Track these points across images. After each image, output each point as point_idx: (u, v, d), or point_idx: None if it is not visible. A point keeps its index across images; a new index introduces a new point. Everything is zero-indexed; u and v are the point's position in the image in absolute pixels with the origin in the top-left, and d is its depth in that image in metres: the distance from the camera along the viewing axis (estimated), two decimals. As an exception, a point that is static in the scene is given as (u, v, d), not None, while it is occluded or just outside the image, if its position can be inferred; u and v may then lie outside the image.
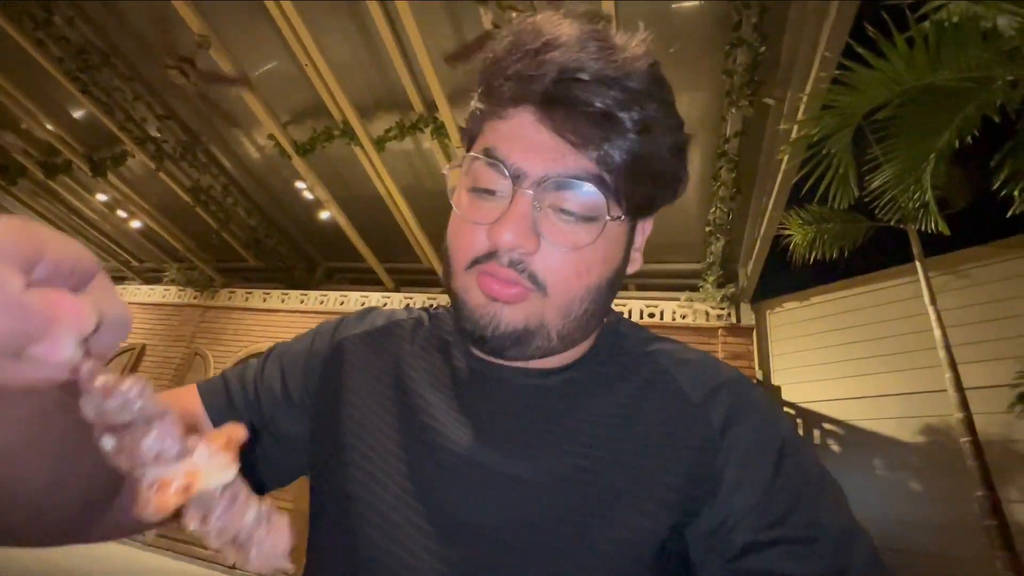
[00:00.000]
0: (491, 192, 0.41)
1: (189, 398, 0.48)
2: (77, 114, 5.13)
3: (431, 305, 0.59)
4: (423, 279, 5.99)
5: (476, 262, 0.42)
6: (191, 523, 0.23)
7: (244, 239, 5.99)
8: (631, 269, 0.47)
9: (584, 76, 0.38)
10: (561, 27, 0.40)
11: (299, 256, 6.46)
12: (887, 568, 0.37)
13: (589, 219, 0.40)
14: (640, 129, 0.39)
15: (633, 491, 0.40)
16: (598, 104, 0.38)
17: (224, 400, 0.49)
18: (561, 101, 0.38)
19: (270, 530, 0.24)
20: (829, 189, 2.69)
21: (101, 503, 0.36)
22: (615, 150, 0.39)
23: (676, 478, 0.40)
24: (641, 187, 0.41)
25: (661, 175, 0.43)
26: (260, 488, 0.47)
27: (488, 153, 0.41)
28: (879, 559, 0.37)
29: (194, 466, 0.23)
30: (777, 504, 0.38)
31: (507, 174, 0.40)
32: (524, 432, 0.43)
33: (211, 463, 0.23)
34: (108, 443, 0.22)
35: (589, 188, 0.39)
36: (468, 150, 0.45)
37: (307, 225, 6.09)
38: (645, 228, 0.48)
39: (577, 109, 0.38)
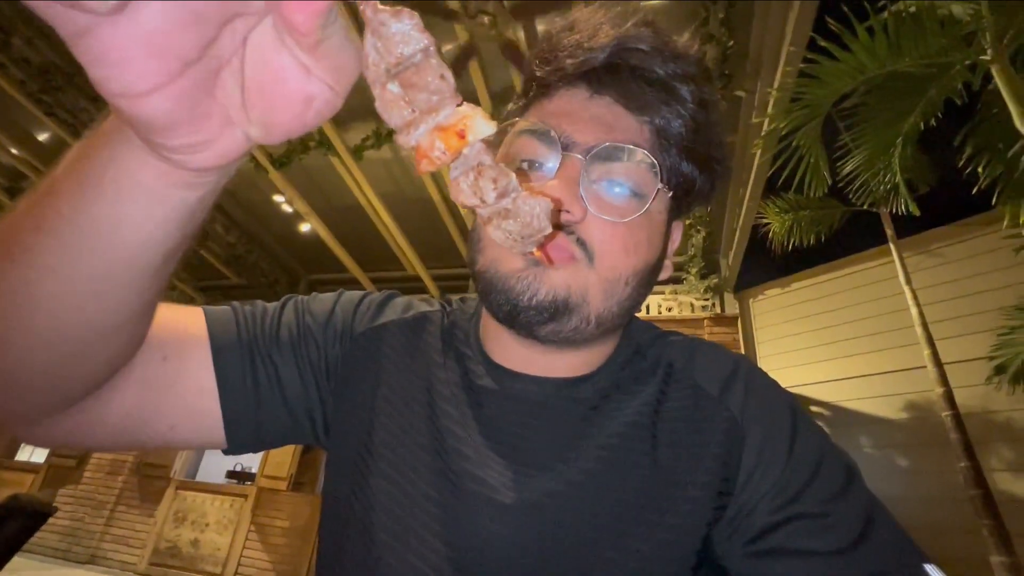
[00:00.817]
0: (537, 164, 0.40)
1: (193, 319, 0.44)
2: (42, 137, 4.99)
3: (458, 298, 0.56)
4: (409, 287, 5.95)
5: None
6: (460, 185, 0.24)
7: (223, 256, 5.89)
8: (664, 275, 0.46)
9: (643, 47, 0.38)
10: (614, 17, 0.40)
11: (281, 270, 6.37)
12: (903, 532, 0.37)
13: (637, 194, 0.39)
14: (698, 103, 0.39)
15: (670, 493, 0.39)
16: (659, 71, 0.38)
17: (232, 328, 0.45)
18: (620, 69, 0.38)
19: (526, 195, 0.25)
20: (804, 178, 2.75)
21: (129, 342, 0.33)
22: (675, 118, 0.39)
23: (709, 472, 0.39)
24: (692, 166, 0.41)
25: (711, 160, 0.42)
26: (239, 434, 0.44)
27: (534, 125, 0.40)
28: (896, 528, 0.37)
29: (465, 114, 0.23)
30: (792, 483, 0.38)
31: (557, 141, 0.38)
32: (553, 448, 0.41)
33: (478, 113, 0.23)
34: (392, 89, 0.22)
35: (644, 156, 0.38)
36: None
37: (288, 239, 6.01)
38: (675, 236, 0.46)
39: (636, 75, 0.38)
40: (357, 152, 4.33)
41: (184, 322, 0.43)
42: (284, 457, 5.20)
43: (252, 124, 0.22)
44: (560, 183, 0.38)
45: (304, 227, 5.52)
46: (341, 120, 4.26)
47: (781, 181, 2.92)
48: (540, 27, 3.37)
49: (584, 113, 0.40)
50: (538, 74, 0.42)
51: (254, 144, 0.23)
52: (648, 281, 0.43)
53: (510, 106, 0.46)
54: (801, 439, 0.40)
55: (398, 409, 0.45)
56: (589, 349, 0.44)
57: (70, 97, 4.30)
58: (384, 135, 4.18)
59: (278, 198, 5.29)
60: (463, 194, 0.26)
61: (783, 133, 2.48)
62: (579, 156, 0.38)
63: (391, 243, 5.30)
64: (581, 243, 0.38)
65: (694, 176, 0.43)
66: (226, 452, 0.45)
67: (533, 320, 0.38)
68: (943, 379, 2.92)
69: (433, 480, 0.41)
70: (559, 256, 0.38)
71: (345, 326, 0.50)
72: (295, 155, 4.46)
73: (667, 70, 0.39)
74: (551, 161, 0.39)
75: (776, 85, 2.62)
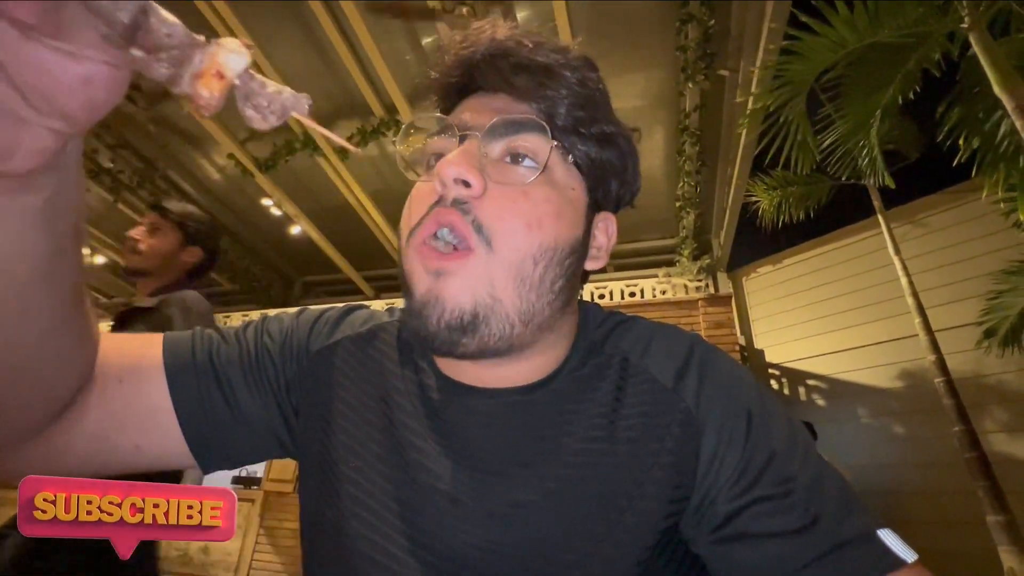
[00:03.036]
0: (440, 156, 0.40)
1: (150, 344, 0.44)
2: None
3: None
4: (403, 284, 5.94)
5: (417, 226, 0.39)
6: (245, 110, 0.26)
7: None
8: (593, 265, 0.45)
9: (524, 41, 0.40)
10: (493, 25, 0.42)
11: (274, 274, 6.34)
12: (858, 504, 0.38)
13: (535, 162, 0.39)
14: (581, 85, 0.40)
15: (628, 491, 0.39)
16: (539, 59, 0.40)
17: (187, 351, 0.45)
18: (500, 62, 0.40)
19: (282, 89, 0.27)
20: (791, 155, 2.76)
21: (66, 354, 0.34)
22: (559, 100, 0.40)
23: (665, 468, 0.39)
24: (588, 146, 0.41)
25: (609, 136, 0.43)
26: (205, 453, 0.44)
27: (430, 119, 0.42)
28: (850, 497, 0.38)
29: (214, 53, 0.24)
30: (750, 467, 0.38)
31: (454, 128, 0.40)
32: (514, 456, 0.41)
33: (224, 50, 0.25)
34: (138, 54, 0.23)
35: (531, 130, 0.39)
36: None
37: (279, 242, 5.97)
38: (608, 227, 0.46)
39: (517, 66, 0.40)
40: (343, 151, 4.30)
41: (141, 347, 0.44)
42: (288, 460, 5.21)
43: (49, 118, 0.22)
44: (457, 154, 0.38)
45: (295, 229, 5.48)
46: (325, 120, 4.22)
47: (769, 159, 2.94)
48: (520, 14, 3.35)
49: (479, 106, 0.42)
50: (431, 80, 0.45)
51: (74, 134, 0.24)
52: (565, 264, 0.40)
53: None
54: (758, 421, 0.40)
55: (354, 422, 0.45)
56: (537, 353, 0.42)
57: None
58: (369, 132, 4.15)
59: (266, 201, 5.25)
60: (255, 120, 0.27)
61: (769, 111, 2.49)
62: (476, 133, 0.39)
63: (382, 240, 5.29)
64: (477, 226, 0.37)
65: (598, 155, 0.42)
66: (202, 470, 0.46)
67: (449, 341, 0.37)
68: (934, 346, 2.97)
69: (397, 492, 0.41)
70: (450, 259, 0.36)
71: (300, 345, 0.49)
72: (281, 157, 4.42)
73: (547, 59, 0.40)
74: (453, 146, 0.40)
75: (759, 63, 2.62)
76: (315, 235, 5.33)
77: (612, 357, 0.45)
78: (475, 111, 0.41)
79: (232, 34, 3.50)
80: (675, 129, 3.82)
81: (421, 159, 0.44)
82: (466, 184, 0.37)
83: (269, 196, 5.03)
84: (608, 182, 0.44)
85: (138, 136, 4.71)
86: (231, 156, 4.50)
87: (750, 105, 2.67)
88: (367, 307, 0.55)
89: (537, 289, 0.38)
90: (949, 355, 3.00)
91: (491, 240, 0.37)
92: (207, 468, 0.45)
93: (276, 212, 5.36)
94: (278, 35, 3.62)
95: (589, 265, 0.45)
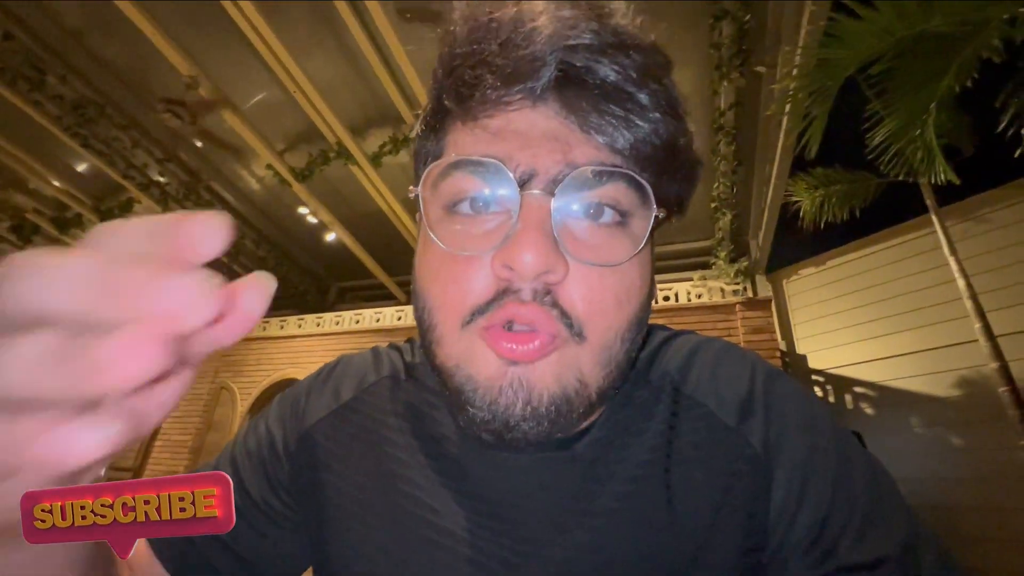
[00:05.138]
0: (483, 206, 0.31)
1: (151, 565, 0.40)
2: (81, 167, 5.24)
3: (406, 341, 0.48)
4: (434, 289, 6.00)
5: (479, 312, 0.31)
6: None
7: (255, 270, 6.05)
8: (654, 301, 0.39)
9: (587, 39, 0.29)
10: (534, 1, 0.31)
11: (310, 280, 6.52)
12: (958, 568, 0.32)
13: (622, 224, 0.31)
14: (662, 108, 0.32)
15: (690, 548, 0.33)
16: (611, 75, 0.30)
17: (186, 543, 0.40)
18: (566, 79, 0.30)
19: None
20: (805, 141, 2.53)
21: None
22: (643, 133, 0.31)
23: (734, 522, 0.34)
24: (672, 181, 0.34)
25: (688, 166, 0.35)
26: None
27: (472, 156, 0.31)
28: (949, 560, 0.32)
29: None
30: (829, 531, 0.32)
31: (510, 176, 0.29)
32: (554, 516, 0.35)
33: None
34: None
35: (622, 183, 0.30)
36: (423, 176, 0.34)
37: (314, 248, 6.15)
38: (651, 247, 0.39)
39: (583, 83, 0.30)
40: (375, 159, 4.39)
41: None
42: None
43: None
44: (535, 238, 0.28)
45: (330, 236, 5.63)
46: (358, 129, 4.32)
47: (812, 156, 2.80)
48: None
49: (534, 131, 0.31)
50: (455, 85, 0.32)
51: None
52: (643, 324, 0.35)
53: (417, 127, 0.37)
54: (834, 473, 0.34)
55: (351, 509, 0.39)
56: None
57: (103, 128, 4.50)
58: (401, 140, 4.22)
59: (303, 210, 5.42)
60: None
61: (807, 96, 2.35)
62: (541, 193, 0.29)
63: (414, 246, 5.35)
64: (563, 315, 0.30)
65: (678, 191, 0.36)
66: None
67: (531, 432, 0.31)
68: (997, 352, 2.77)
69: (409, 564, 0.36)
70: (537, 349, 0.30)
71: (283, 442, 0.44)
72: (316, 166, 4.55)
73: (621, 71, 0.30)
74: (503, 201, 0.31)
75: (801, 46, 2.47)
76: (349, 242, 5.46)
77: (661, 390, 0.38)
78: (528, 143, 0.30)
79: (267, 45, 3.63)
80: (710, 128, 3.72)
81: (434, 208, 0.34)
82: (549, 272, 0.29)
83: (305, 205, 5.19)
84: (680, 210, 0.38)
85: (184, 149, 4.95)
86: (269, 167, 4.66)
87: (777, 87, 2.54)
88: (351, 367, 0.47)
89: (617, 364, 0.33)
90: (1013, 362, 2.80)
91: (582, 329, 0.31)
92: None
93: (312, 220, 5.52)
94: (311, 46, 3.73)
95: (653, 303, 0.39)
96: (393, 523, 0.37)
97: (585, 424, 0.37)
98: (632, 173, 0.30)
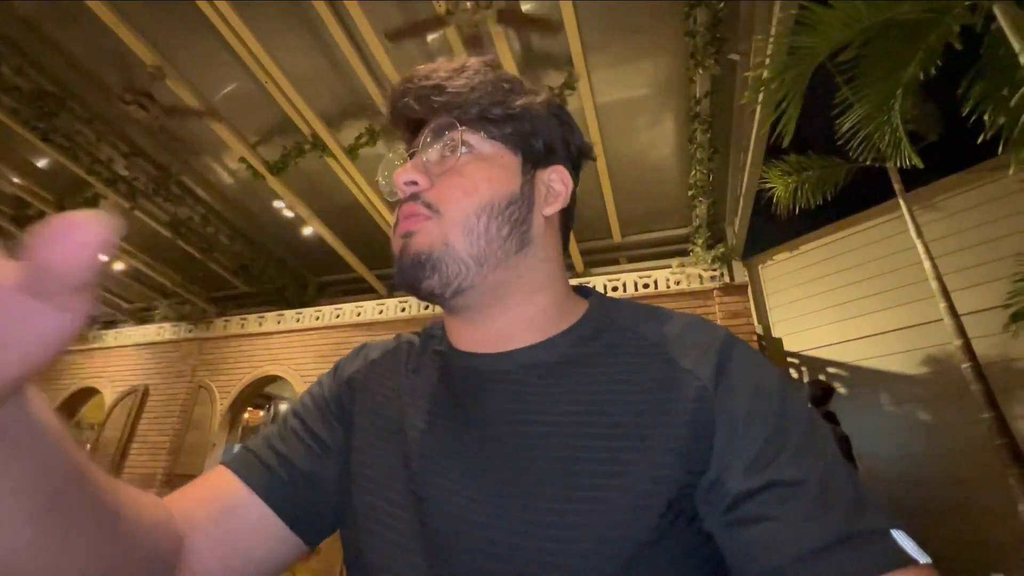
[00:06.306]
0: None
1: (223, 480, 0.48)
2: (41, 163, 5.03)
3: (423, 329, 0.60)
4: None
5: (395, 225, 0.50)
6: None
7: (230, 266, 5.93)
8: (551, 209, 0.51)
9: (432, 70, 0.50)
10: (412, 73, 0.51)
11: (288, 275, 6.42)
12: (873, 503, 0.37)
13: (454, 150, 0.49)
14: (479, 86, 0.49)
15: (635, 446, 0.40)
16: (441, 78, 0.49)
17: (260, 468, 0.49)
18: (416, 92, 0.50)
19: None
20: (780, 129, 2.55)
21: None
22: (463, 101, 0.49)
23: (678, 438, 0.40)
24: (499, 124, 0.50)
25: (515, 115, 0.50)
26: (319, 540, 0.50)
27: (394, 155, 0.54)
28: (865, 495, 0.38)
29: None
30: (767, 452, 0.39)
31: (406, 154, 0.52)
32: (515, 408, 0.45)
33: None
34: None
35: (448, 129, 0.49)
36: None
37: (292, 243, 6.04)
38: (563, 176, 0.53)
39: (430, 90, 0.49)
40: (352, 151, 4.32)
41: (214, 487, 0.48)
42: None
43: None
44: (405, 166, 0.49)
45: (307, 230, 5.53)
46: (333, 120, 4.24)
47: (786, 144, 2.85)
48: (525, 6, 3.32)
49: (422, 130, 0.51)
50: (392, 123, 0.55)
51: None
52: (507, 213, 0.48)
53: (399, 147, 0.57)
54: (775, 407, 0.41)
55: (370, 444, 0.50)
56: (516, 302, 0.49)
57: (64, 121, 4.32)
58: (378, 131, 4.16)
59: (278, 203, 5.31)
60: None
61: (775, 83, 2.39)
62: (415, 150, 0.50)
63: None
64: (427, 204, 0.47)
65: (513, 128, 0.50)
66: (310, 547, 0.50)
67: (417, 280, 0.46)
68: (960, 331, 2.89)
69: (406, 500, 0.45)
70: (412, 222, 0.47)
71: (333, 387, 0.56)
72: (291, 159, 4.46)
73: (447, 75, 0.49)
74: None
75: (773, 35, 2.51)
76: (327, 235, 5.38)
77: (630, 338, 0.47)
78: (418, 135, 0.51)
79: (235, 34, 3.52)
80: (686, 117, 3.76)
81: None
82: (415, 183, 0.48)
83: (281, 198, 5.08)
84: (531, 144, 0.51)
85: (152, 143, 4.78)
86: (242, 160, 4.55)
87: (751, 75, 2.58)
88: (376, 341, 0.61)
89: (484, 236, 0.47)
90: (976, 339, 2.93)
91: (440, 209, 0.47)
92: (316, 545, 0.50)
93: (288, 214, 5.41)
94: (284, 38, 3.63)
95: (547, 211, 0.51)
96: (404, 475, 0.46)
97: (543, 336, 0.49)
98: (444, 127, 0.49)
